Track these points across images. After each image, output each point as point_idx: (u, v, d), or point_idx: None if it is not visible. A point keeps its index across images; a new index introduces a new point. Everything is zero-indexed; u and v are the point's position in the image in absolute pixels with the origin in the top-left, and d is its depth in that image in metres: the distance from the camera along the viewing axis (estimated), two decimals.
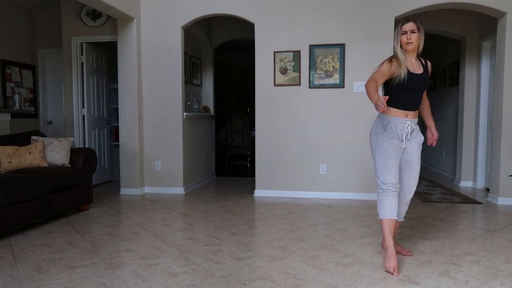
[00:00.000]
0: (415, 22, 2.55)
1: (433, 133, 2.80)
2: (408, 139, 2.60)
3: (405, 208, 2.74)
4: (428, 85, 2.65)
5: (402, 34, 2.55)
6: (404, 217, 2.80)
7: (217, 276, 2.38)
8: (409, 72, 2.54)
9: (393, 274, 2.40)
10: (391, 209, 2.56)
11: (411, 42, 2.52)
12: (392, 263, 2.44)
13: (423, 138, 2.69)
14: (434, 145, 2.80)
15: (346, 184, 4.69)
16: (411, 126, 2.60)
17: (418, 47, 2.58)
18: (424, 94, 2.73)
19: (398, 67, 2.53)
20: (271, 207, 4.28)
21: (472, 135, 5.53)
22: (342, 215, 3.87)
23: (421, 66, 2.62)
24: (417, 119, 2.65)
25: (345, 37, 4.60)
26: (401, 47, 2.57)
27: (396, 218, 2.59)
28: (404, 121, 2.59)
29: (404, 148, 2.62)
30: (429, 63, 2.68)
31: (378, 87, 2.54)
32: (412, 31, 2.53)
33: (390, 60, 2.57)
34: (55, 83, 6.09)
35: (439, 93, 7.01)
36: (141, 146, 5.05)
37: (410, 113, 2.60)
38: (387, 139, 2.58)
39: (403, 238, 3.11)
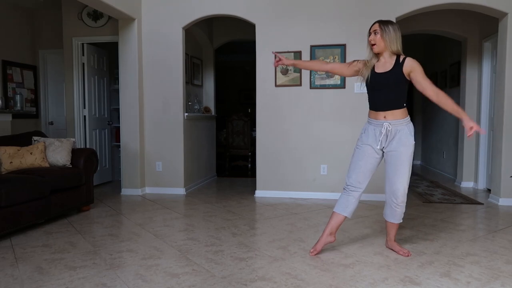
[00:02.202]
0: (380, 23, 2.58)
1: (467, 126, 2.48)
2: (389, 141, 2.60)
3: (399, 211, 2.71)
4: (399, 82, 2.54)
5: (369, 36, 2.62)
6: (403, 219, 2.80)
7: (218, 277, 2.38)
8: (372, 72, 2.60)
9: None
10: (343, 206, 2.72)
11: (374, 44, 2.57)
12: (315, 244, 2.77)
13: (412, 141, 2.60)
14: (468, 137, 2.50)
15: None
16: (388, 127, 2.57)
17: (388, 47, 2.54)
18: (432, 88, 2.52)
19: (365, 68, 2.64)
20: (272, 207, 4.28)
21: (473, 136, 5.53)
22: None
23: (393, 64, 2.56)
24: (400, 119, 2.58)
25: (346, 37, 4.60)
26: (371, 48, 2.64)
27: (347, 215, 2.73)
28: (381, 124, 2.60)
29: (386, 151, 2.64)
30: (408, 60, 2.55)
31: (320, 64, 2.90)
32: (375, 32, 2.57)
33: (359, 60, 2.74)
34: (56, 83, 6.11)
35: None
36: (142, 147, 5.06)
37: (388, 113, 2.59)
38: (360, 142, 2.71)
39: (404, 239, 3.11)
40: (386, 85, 2.57)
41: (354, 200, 2.72)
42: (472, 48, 5.47)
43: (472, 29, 5.46)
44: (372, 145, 2.65)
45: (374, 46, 2.58)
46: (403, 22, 5.10)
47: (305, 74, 4.70)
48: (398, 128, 2.59)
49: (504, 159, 4.38)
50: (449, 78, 6.54)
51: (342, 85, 4.63)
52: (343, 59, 4.59)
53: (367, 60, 2.66)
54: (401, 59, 2.57)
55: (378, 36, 2.55)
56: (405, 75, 2.55)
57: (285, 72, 4.75)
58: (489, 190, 5.02)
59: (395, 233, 2.83)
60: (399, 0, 4.47)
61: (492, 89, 5.09)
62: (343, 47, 4.60)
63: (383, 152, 2.67)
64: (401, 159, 2.60)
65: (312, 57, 4.66)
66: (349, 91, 4.62)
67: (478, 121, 5.40)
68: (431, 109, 7.50)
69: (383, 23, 2.57)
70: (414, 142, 2.62)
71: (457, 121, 6.01)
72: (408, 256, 2.72)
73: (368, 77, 2.62)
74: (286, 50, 4.72)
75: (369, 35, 2.61)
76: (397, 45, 2.55)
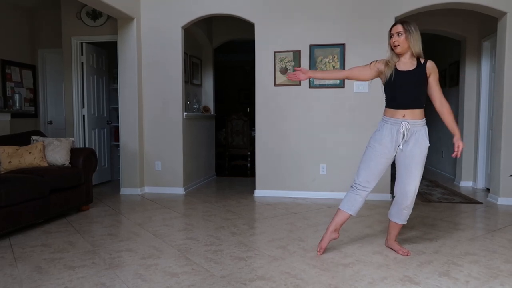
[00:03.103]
0: (403, 24, 2.56)
1: (456, 144, 2.60)
2: (405, 140, 2.58)
3: (406, 212, 2.71)
4: (422, 82, 2.57)
5: (390, 37, 2.60)
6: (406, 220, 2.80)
7: (217, 276, 2.38)
8: (396, 70, 2.58)
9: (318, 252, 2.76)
10: (349, 205, 2.71)
11: (398, 45, 2.56)
12: (320, 242, 2.78)
13: (427, 143, 2.60)
14: (457, 156, 2.60)
15: (346, 184, 4.67)
16: (406, 126, 2.56)
17: (411, 47, 2.55)
18: (440, 97, 2.63)
19: (386, 67, 2.60)
20: (271, 207, 4.28)
21: (473, 135, 5.53)
22: None
23: (415, 65, 2.58)
24: (418, 120, 2.59)
25: (345, 37, 4.59)
26: (392, 49, 2.61)
27: (353, 214, 2.71)
28: (399, 122, 2.58)
29: (401, 151, 2.61)
30: (429, 62, 2.61)
31: (337, 73, 2.86)
32: (399, 33, 2.55)
33: (377, 60, 2.69)
34: (55, 83, 6.10)
35: None
36: (141, 146, 5.05)
37: (407, 112, 2.57)
38: (373, 141, 2.67)
39: (404, 238, 3.11)
40: (411, 83, 2.55)
41: (361, 200, 2.70)
42: (471, 48, 5.47)
43: (471, 28, 5.46)
44: (386, 144, 2.61)
45: (397, 47, 2.56)
46: None
47: None
48: (416, 128, 2.58)
49: (503, 158, 4.39)
50: (448, 78, 6.54)
51: (342, 85, 4.63)
52: (342, 58, 4.59)
53: (388, 60, 2.62)
54: (422, 61, 2.59)
55: (403, 37, 2.53)
56: (427, 75, 2.58)
57: (284, 71, 4.74)
58: (488, 190, 5.02)
59: (397, 233, 2.83)
60: (398, 0, 4.48)
61: (491, 88, 5.10)
62: (342, 46, 4.60)
63: (396, 152, 2.64)
64: (415, 161, 2.58)
65: (312, 56, 4.66)
66: (348, 90, 4.62)
67: (477, 121, 5.41)
68: (431, 109, 7.50)
69: (406, 24, 2.55)
70: (429, 144, 2.62)
71: (456, 121, 6.00)
72: (407, 255, 2.72)
73: (391, 74, 2.57)
74: (285, 50, 4.72)
75: (391, 37, 2.59)
76: (419, 46, 2.56)
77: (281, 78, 4.75)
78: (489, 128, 5.13)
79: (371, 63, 2.70)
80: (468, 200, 4.61)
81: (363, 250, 2.86)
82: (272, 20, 4.75)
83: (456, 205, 4.36)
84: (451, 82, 6.39)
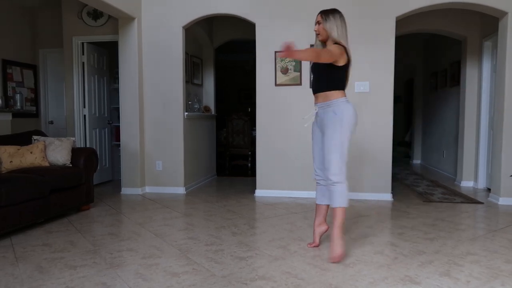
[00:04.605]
0: (321, 13, 2.71)
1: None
2: (317, 122, 2.75)
3: (333, 189, 2.66)
4: (326, 65, 2.61)
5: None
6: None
7: (218, 276, 2.38)
8: None
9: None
10: (318, 196, 2.90)
11: (318, 33, 2.71)
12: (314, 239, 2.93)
13: (334, 113, 2.61)
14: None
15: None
16: (317, 109, 2.73)
17: (331, 34, 2.65)
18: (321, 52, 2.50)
19: None
20: (272, 206, 4.28)
21: (473, 135, 5.53)
22: None
23: None
24: (327, 101, 2.67)
25: None
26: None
27: (317, 202, 2.89)
28: (315, 107, 2.77)
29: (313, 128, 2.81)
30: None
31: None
32: (318, 22, 2.69)
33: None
34: (56, 82, 6.10)
35: (440, 93, 7.00)
36: (142, 146, 5.06)
37: (318, 95, 2.73)
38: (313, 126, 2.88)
39: (405, 238, 3.11)
40: (316, 68, 2.72)
41: (319, 188, 2.87)
42: (472, 47, 5.47)
43: (472, 28, 5.45)
44: (314, 129, 2.82)
45: (318, 35, 2.72)
46: (403, 21, 5.09)
47: (305, 73, 4.70)
48: (328, 108, 2.67)
49: (504, 158, 4.38)
50: (449, 77, 6.54)
51: None
52: None
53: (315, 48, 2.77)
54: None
55: (321, 25, 2.68)
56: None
57: (285, 71, 4.74)
58: (489, 190, 5.02)
59: (325, 215, 2.93)
60: (399, 0, 4.47)
61: (492, 88, 5.09)
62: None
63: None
64: (327, 131, 2.64)
65: None
66: (349, 90, 4.58)
67: (478, 120, 5.40)
68: (431, 108, 7.50)
69: (325, 13, 2.70)
70: (336, 114, 2.62)
71: (457, 120, 6.00)
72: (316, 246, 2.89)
73: (310, 62, 2.73)
74: None
75: (315, 25, 2.73)
76: (337, 33, 2.65)
77: (282, 78, 4.75)
78: (490, 128, 5.12)
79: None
80: (469, 200, 4.61)
81: (363, 250, 2.87)
82: (272, 19, 4.75)
83: (457, 205, 4.36)
84: (452, 81, 6.38)
